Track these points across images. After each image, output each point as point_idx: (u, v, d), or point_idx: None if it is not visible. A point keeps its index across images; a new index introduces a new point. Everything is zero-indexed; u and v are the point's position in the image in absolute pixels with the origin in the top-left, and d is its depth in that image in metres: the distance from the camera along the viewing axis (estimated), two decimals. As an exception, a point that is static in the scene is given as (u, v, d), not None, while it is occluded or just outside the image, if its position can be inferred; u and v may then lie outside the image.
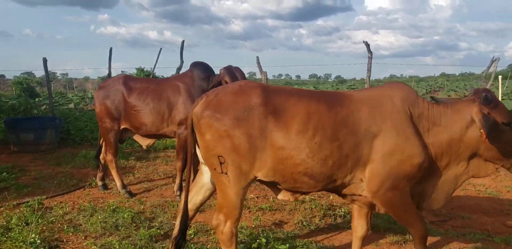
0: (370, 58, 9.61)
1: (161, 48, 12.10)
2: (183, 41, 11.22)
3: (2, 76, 45.36)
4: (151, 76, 12.67)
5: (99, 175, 5.65)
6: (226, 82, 4.48)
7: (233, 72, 4.71)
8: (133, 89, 5.15)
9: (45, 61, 10.10)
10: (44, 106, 11.55)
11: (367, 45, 9.65)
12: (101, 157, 5.57)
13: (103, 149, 5.50)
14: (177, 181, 5.15)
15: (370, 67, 9.62)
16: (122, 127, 5.24)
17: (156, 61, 11.89)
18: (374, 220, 4.16)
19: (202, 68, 5.17)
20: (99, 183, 5.64)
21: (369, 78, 9.73)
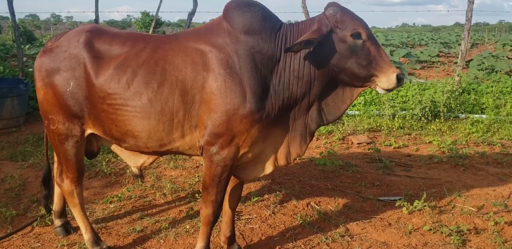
0: (472, 2, 6.62)
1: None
2: None
3: (7, 18, 42.24)
4: (153, 25, 9.53)
5: (56, 208, 3.12)
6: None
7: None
8: (105, 58, 2.40)
9: (9, 0, 7.22)
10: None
11: (469, -17, 6.62)
12: (55, 181, 2.98)
13: (55, 169, 2.92)
14: (199, 244, 2.60)
15: (471, 15, 6.64)
16: (88, 131, 2.60)
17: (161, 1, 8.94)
18: None
19: (253, 13, 2.30)
20: (57, 223, 3.12)
21: (469, 32, 6.78)
